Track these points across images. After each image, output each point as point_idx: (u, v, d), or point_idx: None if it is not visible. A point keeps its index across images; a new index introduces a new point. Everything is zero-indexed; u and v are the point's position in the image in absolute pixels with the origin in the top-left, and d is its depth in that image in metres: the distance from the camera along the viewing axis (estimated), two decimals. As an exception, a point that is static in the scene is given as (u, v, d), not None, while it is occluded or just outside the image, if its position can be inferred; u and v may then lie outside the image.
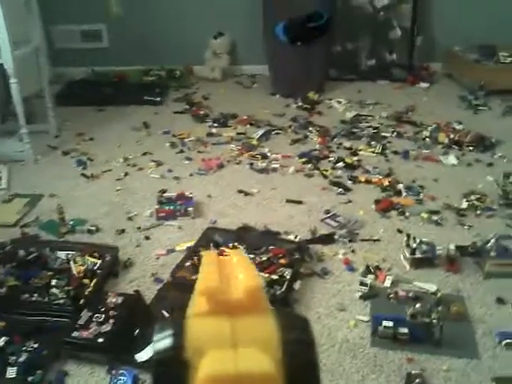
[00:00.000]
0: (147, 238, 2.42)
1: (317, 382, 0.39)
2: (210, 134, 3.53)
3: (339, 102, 4.00)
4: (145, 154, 3.29)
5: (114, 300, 1.89)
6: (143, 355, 1.72)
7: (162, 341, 0.39)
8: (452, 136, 3.27)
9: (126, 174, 3.05)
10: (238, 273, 0.43)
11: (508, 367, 1.69)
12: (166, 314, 1.88)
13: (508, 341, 1.75)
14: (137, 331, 1.80)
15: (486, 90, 3.92)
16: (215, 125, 3.68)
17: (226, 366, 0.36)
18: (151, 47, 4.58)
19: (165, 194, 2.69)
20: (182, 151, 3.31)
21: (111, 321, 1.79)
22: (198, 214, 2.59)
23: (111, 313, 1.82)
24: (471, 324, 1.88)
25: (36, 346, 1.76)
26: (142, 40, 4.56)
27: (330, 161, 3.10)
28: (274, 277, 2.09)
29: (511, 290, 2.02)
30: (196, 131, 3.57)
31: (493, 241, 2.13)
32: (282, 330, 0.39)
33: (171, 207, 2.57)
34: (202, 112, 3.90)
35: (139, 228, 2.49)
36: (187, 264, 2.12)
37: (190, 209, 2.55)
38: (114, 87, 4.32)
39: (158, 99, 4.12)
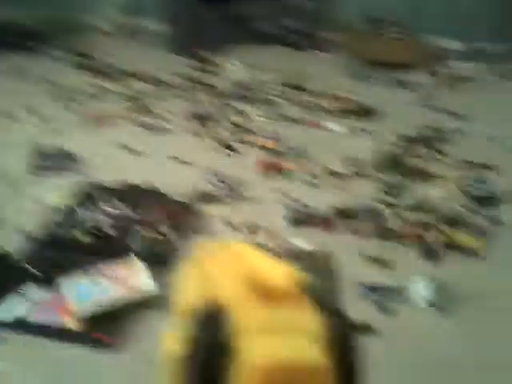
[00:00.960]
0: (22, 192, 2.28)
1: (356, 371, 0.40)
2: (96, 87, 3.37)
3: (234, 65, 3.98)
4: (23, 104, 3.07)
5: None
6: (3, 312, 1.64)
7: (204, 329, 0.39)
8: (338, 104, 3.41)
9: (1, 125, 2.83)
10: (264, 264, 0.42)
11: (365, 316, 1.84)
12: (35, 271, 1.81)
13: (368, 292, 1.90)
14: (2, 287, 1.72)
15: (375, 62, 4.10)
16: (103, 78, 3.52)
17: (278, 354, 0.36)
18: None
19: (43, 148, 2.54)
20: (65, 103, 3.13)
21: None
22: (79, 170, 2.49)
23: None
24: (339, 278, 2.00)
25: None
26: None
27: (219, 122, 3.10)
28: (156, 235, 2.08)
29: (376, 247, 2.17)
30: (82, 83, 3.39)
31: (365, 203, 2.28)
32: (325, 321, 0.39)
33: (50, 162, 2.44)
34: (90, 63, 3.70)
35: (14, 182, 2.34)
36: (63, 220, 2.04)
37: (70, 164, 2.44)
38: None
39: (43, 46, 3.84)
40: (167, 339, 0.41)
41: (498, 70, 4.06)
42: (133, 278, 1.80)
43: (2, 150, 2.62)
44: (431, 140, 3.07)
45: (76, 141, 2.73)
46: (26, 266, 1.81)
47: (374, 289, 1.92)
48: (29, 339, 1.60)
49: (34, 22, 4.18)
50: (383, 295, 1.89)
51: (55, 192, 2.32)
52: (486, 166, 2.77)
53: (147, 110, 3.14)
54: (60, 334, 1.60)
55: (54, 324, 1.62)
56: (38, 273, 1.79)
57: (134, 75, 3.59)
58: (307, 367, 0.36)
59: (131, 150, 2.72)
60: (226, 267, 0.42)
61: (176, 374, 0.39)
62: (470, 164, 2.82)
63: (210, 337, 0.38)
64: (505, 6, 4.12)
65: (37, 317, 1.64)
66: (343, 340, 0.39)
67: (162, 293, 1.80)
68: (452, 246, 2.17)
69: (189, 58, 3.95)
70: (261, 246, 2.12)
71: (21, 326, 1.61)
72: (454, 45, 4.47)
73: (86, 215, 2.09)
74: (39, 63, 3.64)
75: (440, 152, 2.94)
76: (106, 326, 1.64)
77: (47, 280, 1.76)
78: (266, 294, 0.40)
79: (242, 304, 0.40)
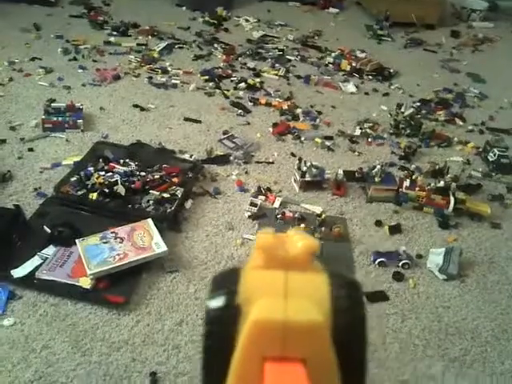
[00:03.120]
0: (31, 149, 2.25)
1: (364, 340, 0.40)
2: (107, 43, 3.30)
3: (247, 21, 3.87)
4: (33, 59, 3.01)
5: (-11, 214, 1.77)
6: (20, 271, 1.65)
7: (217, 295, 0.40)
8: (354, 64, 3.31)
9: (11, 80, 2.78)
10: (293, 237, 0.43)
11: (378, 284, 1.82)
12: (48, 230, 1.80)
13: (380, 259, 1.88)
14: (15, 246, 1.72)
15: (390, 21, 3.96)
16: (114, 33, 3.44)
17: (274, 313, 0.38)
18: None
19: (53, 104, 2.49)
20: (75, 59, 3.07)
21: (-15, 235, 1.68)
22: (89, 127, 2.45)
23: (-15, 227, 1.71)
24: (350, 244, 1.98)
25: None
26: None
27: (232, 80, 3.03)
28: (166, 195, 2.05)
29: (390, 213, 2.15)
30: (93, 38, 3.32)
31: (378, 167, 2.23)
32: (333, 287, 0.40)
33: (59, 118, 2.40)
34: (100, 18, 3.61)
35: (22, 139, 2.31)
36: (73, 179, 2.02)
37: (80, 121, 2.40)
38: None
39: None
40: None
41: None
42: (144, 238, 1.79)
43: (13, 103, 2.58)
44: (450, 103, 2.98)
45: (86, 97, 2.68)
46: (40, 226, 1.79)
47: (385, 254, 1.89)
48: (42, 297, 1.60)
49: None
50: (395, 261, 1.87)
51: (64, 149, 2.29)
52: (505, 131, 2.70)
53: (159, 67, 3.07)
54: (72, 291, 1.60)
55: (66, 282, 1.62)
56: (50, 232, 1.78)
57: (146, 30, 3.50)
58: (303, 326, 0.37)
59: (142, 108, 2.67)
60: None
61: None
62: (489, 129, 2.75)
63: (223, 300, 0.40)
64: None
65: (49, 274, 1.64)
66: (351, 311, 0.40)
67: (172, 253, 1.80)
68: (468, 213, 2.13)
69: (202, 13, 3.84)
70: (270, 209, 2.09)
71: (33, 282, 1.62)
72: (476, 4, 4.30)
73: (97, 174, 2.06)
74: (54, 18, 3.56)
75: (458, 116, 2.86)
76: (117, 286, 1.64)
77: (60, 239, 1.75)
78: (279, 260, 0.41)
79: (253, 268, 0.42)
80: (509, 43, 3.90)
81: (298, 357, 0.38)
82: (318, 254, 0.43)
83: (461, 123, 2.82)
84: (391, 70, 3.31)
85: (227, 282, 0.41)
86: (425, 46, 3.77)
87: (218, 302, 0.40)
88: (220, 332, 0.40)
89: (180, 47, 3.37)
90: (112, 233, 1.79)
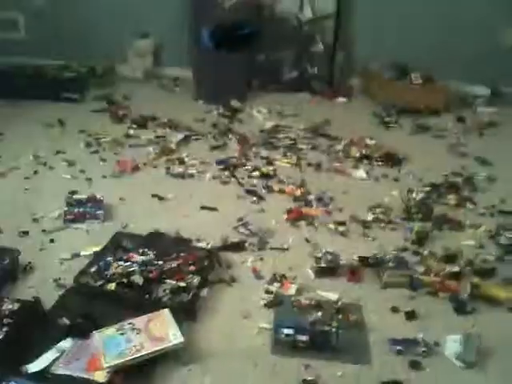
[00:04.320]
0: (52, 240, 2.34)
1: None
2: (127, 136, 3.48)
3: (260, 112, 4.07)
4: (57, 152, 3.19)
5: (9, 307, 1.81)
6: (35, 365, 1.65)
7: None
8: (363, 151, 3.43)
9: (36, 173, 2.93)
10: None
11: (395, 373, 1.79)
12: (66, 321, 1.83)
13: (397, 347, 1.86)
14: (33, 339, 1.74)
15: (397, 108, 4.14)
16: (134, 126, 3.63)
17: None
18: (72, 42, 4.44)
19: (75, 196, 2.61)
20: (96, 151, 3.23)
21: (4, 329, 1.71)
22: (108, 218, 2.54)
23: (5, 320, 1.74)
24: (367, 331, 1.97)
25: None
26: (63, 33, 4.41)
27: (246, 169, 3.15)
28: (182, 284, 2.09)
29: (405, 299, 2.14)
30: (113, 132, 3.50)
31: (391, 253, 2.26)
32: None
33: (80, 209, 2.50)
34: (121, 112, 3.83)
35: (44, 230, 2.40)
36: (92, 269, 2.07)
37: (100, 212, 2.50)
38: (30, 81, 4.13)
39: (76, 96, 4.00)
40: None
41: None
42: (161, 330, 1.80)
43: (37, 196, 2.69)
44: (459, 187, 3.04)
45: (106, 188, 2.79)
46: (58, 317, 1.82)
47: (401, 342, 1.87)
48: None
49: (68, 72, 4.36)
50: (412, 349, 1.85)
51: (84, 240, 2.36)
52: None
53: (177, 158, 3.21)
54: (87, 386, 1.60)
55: (82, 376, 1.63)
56: (69, 324, 1.81)
57: (163, 123, 3.69)
58: None
59: (160, 198, 2.77)
60: None
61: None
62: (500, 212, 2.78)
63: None
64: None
65: (65, 368, 1.65)
66: None
67: (187, 343, 1.80)
68: (483, 298, 2.12)
69: (216, 106, 4.05)
70: (286, 296, 2.10)
71: (47, 378, 1.62)
72: (480, 90, 4.48)
73: (113, 263, 2.12)
74: (75, 112, 3.79)
75: (469, 199, 2.91)
76: (134, 379, 1.64)
77: (78, 331, 1.77)
78: None
79: None
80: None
81: None
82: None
83: (471, 207, 2.86)
84: (400, 156, 3.41)
85: None
86: (432, 131, 3.90)
87: None
88: None
89: (196, 138, 3.53)
90: (129, 324, 1.81)
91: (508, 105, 4.33)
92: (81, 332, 1.78)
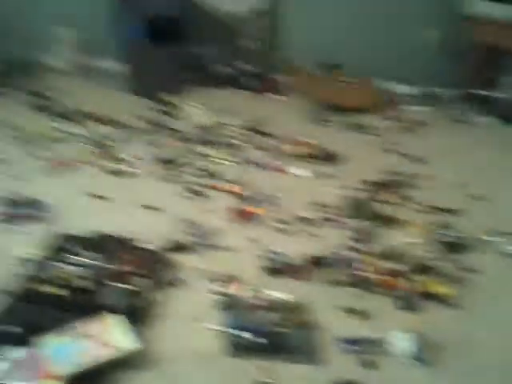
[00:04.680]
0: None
1: None
2: (56, 130, 3.29)
3: (196, 107, 3.99)
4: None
5: None
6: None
7: None
8: (300, 149, 3.46)
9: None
10: None
11: (346, 372, 1.83)
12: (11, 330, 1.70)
13: (347, 346, 1.90)
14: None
15: (329, 106, 4.22)
16: (63, 121, 3.44)
17: None
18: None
19: (10, 196, 2.44)
20: (26, 147, 3.03)
21: None
22: (47, 219, 2.39)
23: None
24: (318, 331, 1.99)
25: None
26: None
27: (184, 166, 3.08)
28: (130, 287, 2.01)
29: (352, 297, 2.18)
30: (41, 126, 3.30)
31: (334, 251, 2.30)
32: None
33: (18, 210, 2.34)
34: (47, 105, 3.61)
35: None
36: (35, 274, 1.94)
37: (39, 212, 2.35)
38: None
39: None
40: None
41: (450, 114, 4.27)
42: (109, 334, 1.72)
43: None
44: (395, 185, 3.15)
45: (41, 187, 2.64)
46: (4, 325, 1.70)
47: (353, 341, 1.92)
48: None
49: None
50: (363, 348, 1.89)
51: (24, 243, 2.21)
52: (450, 211, 2.86)
53: (111, 154, 3.08)
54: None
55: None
56: (12, 331, 1.68)
57: (95, 117, 3.53)
58: None
59: (98, 196, 2.65)
60: None
61: None
62: (436, 209, 2.90)
63: None
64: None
65: (14, 378, 1.54)
66: None
67: (138, 348, 1.74)
68: (425, 295, 2.20)
69: (149, 100, 3.93)
70: (235, 297, 2.08)
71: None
72: (406, 89, 4.67)
73: (57, 267, 2.00)
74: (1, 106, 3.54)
75: (405, 197, 3.02)
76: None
77: (22, 338, 1.66)
78: None
79: None
80: (444, 125, 4.21)
81: None
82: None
83: (409, 204, 2.96)
84: (336, 153, 3.47)
85: None
86: (365, 129, 4.01)
87: None
88: None
89: (130, 134, 3.40)
90: (77, 329, 1.72)
91: (439, 104, 4.52)
92: (24, 339, 1.66)
